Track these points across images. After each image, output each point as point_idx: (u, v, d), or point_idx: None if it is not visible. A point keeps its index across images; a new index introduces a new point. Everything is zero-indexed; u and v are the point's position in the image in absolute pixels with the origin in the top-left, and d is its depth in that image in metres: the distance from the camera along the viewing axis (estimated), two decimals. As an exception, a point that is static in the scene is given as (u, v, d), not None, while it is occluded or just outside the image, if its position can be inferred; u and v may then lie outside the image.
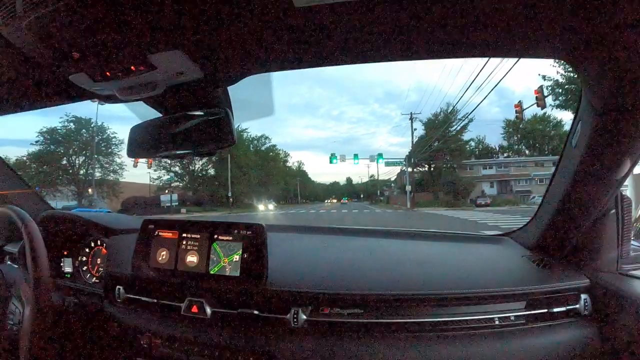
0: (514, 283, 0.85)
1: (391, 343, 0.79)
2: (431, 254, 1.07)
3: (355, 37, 0.61)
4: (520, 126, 31.34)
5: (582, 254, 0.89)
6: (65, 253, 1.23)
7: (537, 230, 0.96)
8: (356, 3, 0.51)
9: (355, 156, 25.84)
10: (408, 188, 24.74)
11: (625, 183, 0.78)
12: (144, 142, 0.86)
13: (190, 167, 29.87)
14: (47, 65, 0.70)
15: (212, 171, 30.55)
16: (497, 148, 34.53)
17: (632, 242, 0.90)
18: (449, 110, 28.35)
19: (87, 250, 1.23)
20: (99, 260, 1.20)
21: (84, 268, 1.22)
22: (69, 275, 1.22)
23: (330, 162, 24.70)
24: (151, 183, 28.45)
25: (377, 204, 40.65)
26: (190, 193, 29.06)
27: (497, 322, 0.81)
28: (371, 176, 55.38)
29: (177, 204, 22.55)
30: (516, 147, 33.40)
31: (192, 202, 25.60)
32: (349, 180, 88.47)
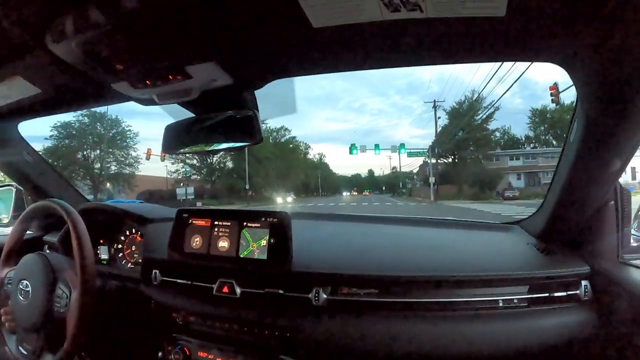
0: (518, 268, 0.90)
1: (403, 320, 0.86)
2: (443, 239, 1.13)
3: (374, 48, 0.67)
4: (548, 116, 29.71)
5: (584, 242, 0.94)
6: (102, 241, 1.33)
7: (543, 219, 1.00)
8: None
9: (377, 146, 24.95)
10: (431, 180, 23.84)
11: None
12: (178, 140, 0.94)
13: (208, 160, 29.67)
14: (92, 75, 0.77)
15: (230, 164, 30.51)
16: (523, 139, 32.98)
17: (633, 232, 0.94)
18: (474, 98, 27.37)
19: (122, 238, 1.32)
20: (133, 248, 1.30)
21: (120, 255, 1.32)
22: (105, 262, 1.32)
23: (350, 152, 24.05)
24: (168, 176, 28.10)
25: (399, 196, 40.09)
26: (208, 186, 29.20)
27: (501, 304, 0.87)
28: (393, 168, 55.52)
29: (193, 197, 22.22)
30: (543, 137, 31.47)
31: (208, 195, 25.14)
32: (370, 172, 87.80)
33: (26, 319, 0.95)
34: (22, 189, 1.53)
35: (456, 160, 29.57)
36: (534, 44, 0.63)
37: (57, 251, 1.27)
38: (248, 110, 0.83)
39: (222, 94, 0.82)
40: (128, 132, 25.50)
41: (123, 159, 25.31)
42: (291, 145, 39.18)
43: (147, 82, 0.76)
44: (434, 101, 26.72)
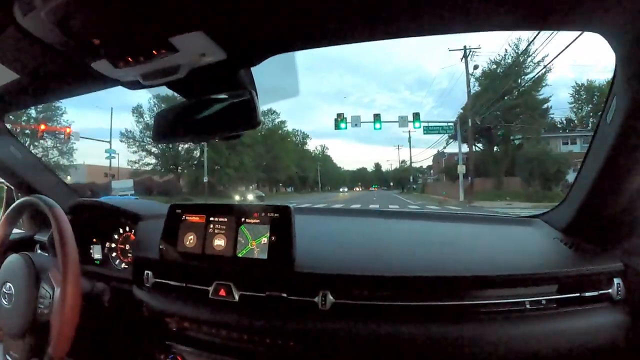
0: (545, 266, 0.83)
1: (419, 326, 0.78)
2: (460, 235, 1.05)
3: (381, 10, 0.58)
4: (596, 93, 21.77)
5: (616, 236, 0.86)
6: (94, 240, 1.27)
7: (570, 211, 0.93)
8: None
9: (377, 119, 16.26)
10: (461, 169, 16.00)
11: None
12: (169, 127, 0.86)
13: (171, 147, 23.30)
14: (69, 54, 0.70)
15: (197, 152, 24.48)
16: (564, 122, 25.18)
17: None
18: (520, 48, 18.87)
19: (115, 236, 1.26)
20: (127, 247, 1.23)
21: (113, 254, 1.25)
22: (98, 262, 1.26)
23: (337, 127, 16.31)
24: (131, 167, 24.21)
25: (409, 193, 34.49)
26: (171, 177, 24.44)
27: (528, 306, 0.79)
28: (402, 162, 49.83)
29: (132, 192, 16.26)
30: (590, 120, 22.63)
31: (160, 189, 21.31)
32: (377, 166, 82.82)
33: (11, 324, 0.90)
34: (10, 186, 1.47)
35: (496, 142, 21.04)
36: (575, 11, 0.56)
37: (47, 251, 1.22)
38: (244, 91, 0.74)
39: (214, 73, 0.74)
40: (59, 111, 20.49)
41: (60, 146, 20.66)
42: (280, 132, 33.23)
43: (129, 58, 0.68)
44: (464, 47, 17.29)
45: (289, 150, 33.93)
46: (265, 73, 0.76)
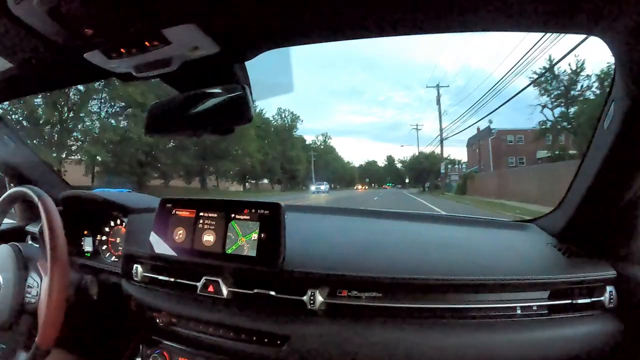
0: (537, 271, 0.82)
1: (409, 328, 0.77)
2: (453, 238, 1.04)
3: (376, 6, 0.57)
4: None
5: (609, 243, 0.85)
6: (86, 232, 1.26)
7: (564, 217, 0.93)
8: None
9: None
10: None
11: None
12: (162, 121, 0.85)
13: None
14: (62, 44, 0.69)
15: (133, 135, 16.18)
16: None
17: None
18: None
19: (106, 229, 1.25)
20: (118, 240, 1.23)
21: (104, 247, 1.24)
22: (89, 255, 1.25)
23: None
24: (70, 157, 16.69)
25: (435, 194, 22.54)
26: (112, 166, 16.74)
27: (519, 312, 0.79)
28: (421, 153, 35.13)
29: None
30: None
31: None
32: (389, 159, 65.27)
33: None
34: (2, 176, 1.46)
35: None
36: (575, 14, 0.55)
37: (38, 242, 1.20)
38: (237, 85, 0.73)
39: (208, 67, 0.73)
40: None
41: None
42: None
43: (122, 49, 0.67)
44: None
45: (247, 133, 22.55)
46: (259, 68, 0.76)
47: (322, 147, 48.88)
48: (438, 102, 22.87)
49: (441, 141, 21.79)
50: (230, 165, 23.69)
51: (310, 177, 37.00)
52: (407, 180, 45.36)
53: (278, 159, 31.47)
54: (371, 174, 70.31)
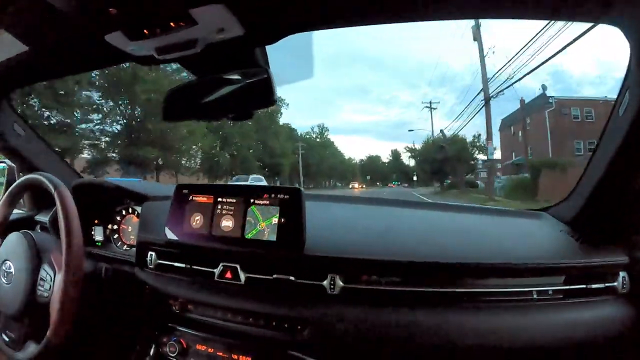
0: (552, 257, 0.84)
1: (428, 312, 0.78)
2: (469, 225, 1.05)
3: None
4: None
5: (622, 230, 0.86)
6: (97, 221, 1.26)
7: (577, 204, 0.93)
8: None
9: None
10: None
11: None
12: (181, 105, 0.85)
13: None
14: (82, 24, 0.69)
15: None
16: None
17: None
18: None
19: (118, 218, 1.25)
20: (130, 228, 1.22)
21: (115, 236, 1.24)
22: (100, 244, 1.24)
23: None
24: None
25: (475, 198, 14.54)
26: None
27: (535, 296, 0.80)
28: (440, 132, 24.96)
29: None
30: None
31: None
32: (395, 154, 57.92)
33: (9, 304, 0.89)
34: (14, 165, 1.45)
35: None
36: (588, 1, 0.55)
37: (48, 232, 1.20)
38: (260, 69, 0.73)
39: (230, 50, 0.73)
40: None
41: None
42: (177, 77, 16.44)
43: (145, 30, 0.66)
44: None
45: (196, 131, 18.64)
46: (281, 52, 0.76)
47: (317, 139, 41.13)
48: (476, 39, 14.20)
49: (487, 102, 13.34)
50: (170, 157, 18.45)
51: (299, 172, 31.66)
52: (414, 178, 35.38)
53: (258, 151, 26.16)
54: (374, 171, 61.80)
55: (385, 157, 62.55)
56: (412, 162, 36.50)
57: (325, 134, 42.08)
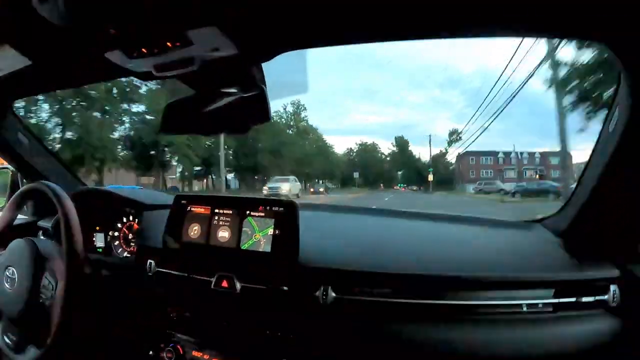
0: (543, 270, 0.84)
1: (419, 324, 0.79)
2: (461, 237, 1.06)
3: (396, 11, 0.59)
4: None
5: (613, 243, 0.86)
6: (98, 228, 1.28)
7: (569, 217, 0.93)
8: None
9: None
10: None
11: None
12: (179, 120, 0.87)
13: None
14: (83, 42, 0.70)
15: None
16: None
17: None
18: None
19: (119, 225, 1.27)
20: (130, 236, 1.24)
21: (116, 243, 1.26)
22: (100, 250, 1.27)
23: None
24: None
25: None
26: None
27: (525, 309, 0.80)
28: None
29: None
30: None
31: None
32: (400, 142, 41.70)
33: (11, 308, 0.91)
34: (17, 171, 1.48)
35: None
36: (578, 20, 0.56)
37: (51, 238, 1.21)
38: (256, 85, 0.75)
39: (226, 68, 0.75)
40: None
41: None
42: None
43: (143, 49, 0.68)
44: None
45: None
46: (275, 69, 0.77)
47: (292, 125, 28.88)
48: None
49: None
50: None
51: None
52: (430, 176, 25.98)
53: (231, 147, 21.82)
54: (369, 166, 41.91)
55: (386, 148, 44.92)
56: (425, 156, 30.30)
57: (304, 115, 29.36)
